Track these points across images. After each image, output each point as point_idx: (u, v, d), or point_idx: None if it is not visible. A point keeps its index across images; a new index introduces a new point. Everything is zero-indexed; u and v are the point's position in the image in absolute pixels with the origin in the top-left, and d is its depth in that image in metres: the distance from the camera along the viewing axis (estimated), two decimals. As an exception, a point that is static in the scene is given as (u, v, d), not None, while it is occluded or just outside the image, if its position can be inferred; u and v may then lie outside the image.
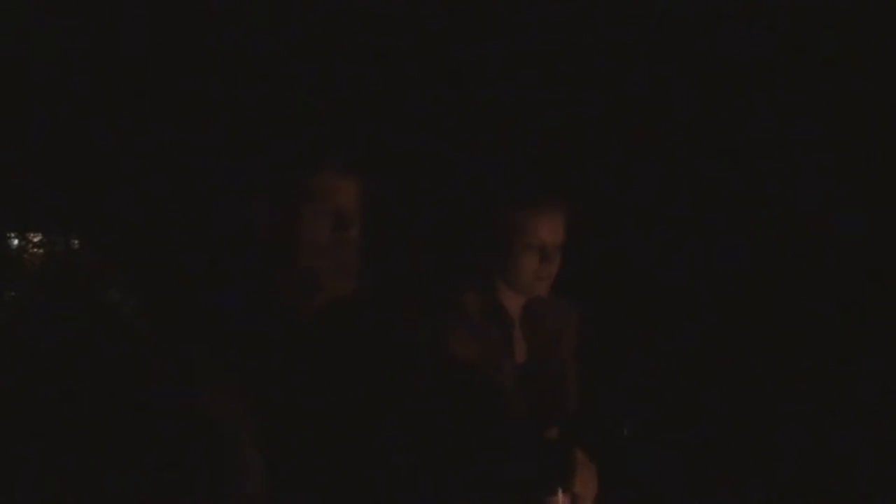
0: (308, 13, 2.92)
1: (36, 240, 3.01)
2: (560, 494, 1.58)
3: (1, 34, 2.89)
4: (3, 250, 2.99)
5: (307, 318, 1.64)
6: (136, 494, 1.52)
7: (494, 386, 2.00)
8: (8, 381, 2.53)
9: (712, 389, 2.99)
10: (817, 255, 2.99)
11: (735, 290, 3.05)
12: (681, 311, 3.06)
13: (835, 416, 2.88)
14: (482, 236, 2.09)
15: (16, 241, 3.00)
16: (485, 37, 3.01)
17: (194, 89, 2.88)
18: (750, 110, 3.01)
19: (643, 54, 3.00)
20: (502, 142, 2.93)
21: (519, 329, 2.14)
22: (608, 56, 3.01)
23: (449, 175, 2.75)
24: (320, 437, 1.58)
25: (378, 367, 1.71)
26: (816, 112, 2.97)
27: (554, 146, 2.94)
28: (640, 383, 2.93)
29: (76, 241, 3.02)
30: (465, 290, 2.09)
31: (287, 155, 1.66)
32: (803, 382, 2.94)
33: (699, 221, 3.07)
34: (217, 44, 2.89)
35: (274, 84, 2.84)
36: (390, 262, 1.96)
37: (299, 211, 1.62)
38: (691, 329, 3.04)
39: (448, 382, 1.87)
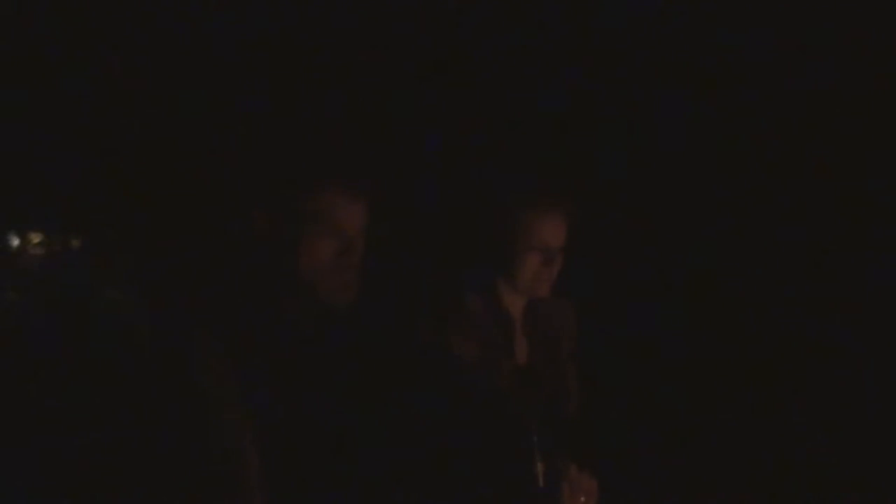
0: (311, 23, 2.91)
1: (36, 240, 3.00)
2: None
3: (1, 34, 2.88)
4: (3, 250, 2.99)
5: (307, 322, 1.63)
6: (135, 496, 1.52)
7: (495, 387, 2.01)
8: (7, 381, 2.53)
9: (713, 390, 2.99)
10: (820, 257, 2.99)
11: (737, 290, 3.05)
12: (681, 312, 3.06)
13: (837, 418, 2.88)
14: (485, 237, 2.09)
15: (16, 241, 3.00)
16: (490, 36, 3.01)
17: (203, 93, 2.87)
18: (753, 112, 3.01)
19: (648, 55, 3.00)
20: (506, 143, 2.93)
21: (520, 330, 2.14)
22: (613, 57, 3.01)
23: (452, 176, 2.75)
24: (319, 439, 1.57)
25: (378, 368, 1.71)
26: (816, 112, 2.97)
27: (557, 147, 2.94)
28: (639, 384, 2.93)
29: (76, 241, 3.02)
30: (467, 291, 2.09)
31: (292, 170, 1.63)
32: (806, 383, 2.94)
33: (700, 223, 3.07)
34: (230, 50, 2.88)
35: (282, 96, 2.83)
36: (391, 263, 1.96)
37: (301, 230, 1.59)
38: (692, 329, 3.04)
39: (449, 384, 1.87)
